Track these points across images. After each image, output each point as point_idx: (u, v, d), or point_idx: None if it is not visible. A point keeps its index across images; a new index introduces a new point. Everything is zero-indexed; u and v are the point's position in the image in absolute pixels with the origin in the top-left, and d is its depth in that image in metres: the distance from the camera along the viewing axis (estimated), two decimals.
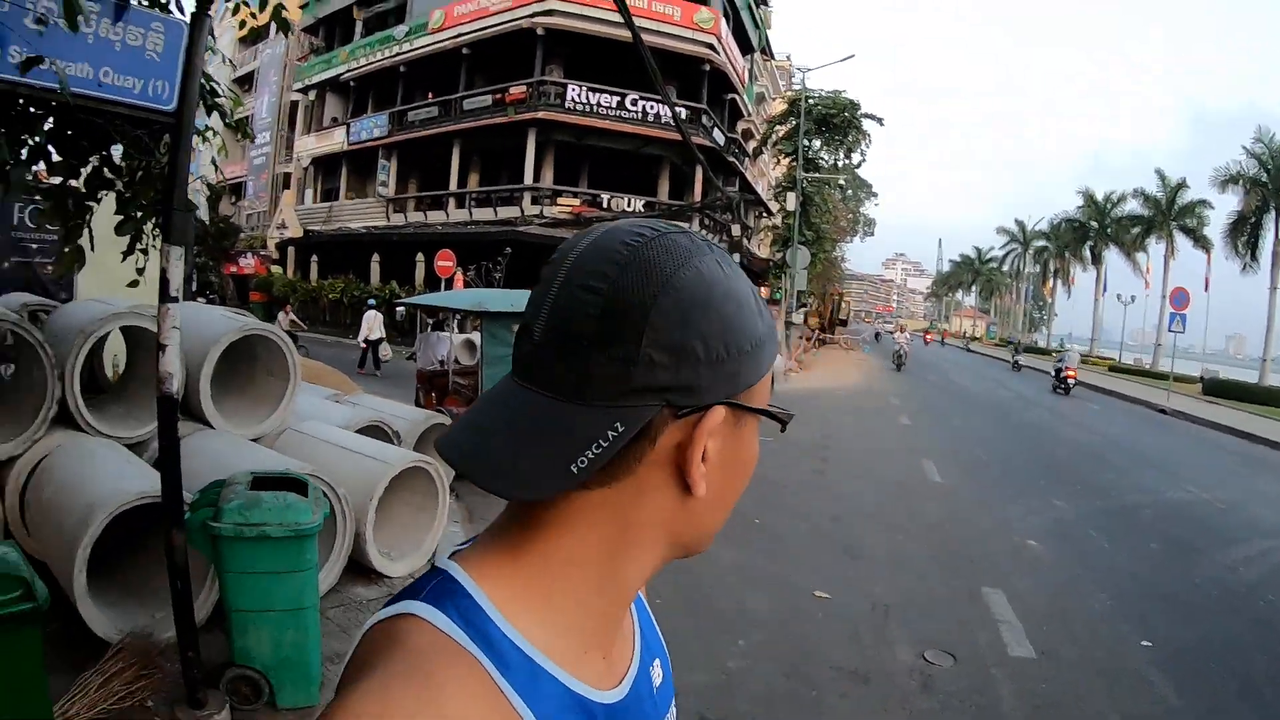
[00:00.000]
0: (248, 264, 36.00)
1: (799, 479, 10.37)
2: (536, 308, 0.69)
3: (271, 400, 6.35)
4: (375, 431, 7.29)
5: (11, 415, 5.19)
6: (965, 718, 4.62)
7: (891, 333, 49.37)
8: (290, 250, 36.71)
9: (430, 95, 32.36)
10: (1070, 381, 28.29)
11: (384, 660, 0.62)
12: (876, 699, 4.75)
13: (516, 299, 9.73)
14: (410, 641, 0.64)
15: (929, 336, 78.39)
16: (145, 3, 3.60)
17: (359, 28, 36.20)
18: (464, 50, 30.42)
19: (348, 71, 35.60)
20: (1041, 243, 74.47)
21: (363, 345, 19.26)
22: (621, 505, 0.69)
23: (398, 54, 32.97)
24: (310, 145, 38.33)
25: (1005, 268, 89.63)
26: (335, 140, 36.19)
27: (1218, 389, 34.30)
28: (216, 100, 4.37)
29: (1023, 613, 6.22)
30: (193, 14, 3.62)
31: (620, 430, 0.64)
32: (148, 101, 3.53)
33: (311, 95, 39.04)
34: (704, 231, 30.89)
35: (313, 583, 3.95)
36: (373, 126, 33.84)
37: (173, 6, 3.86)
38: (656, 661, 0.87)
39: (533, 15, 28.14)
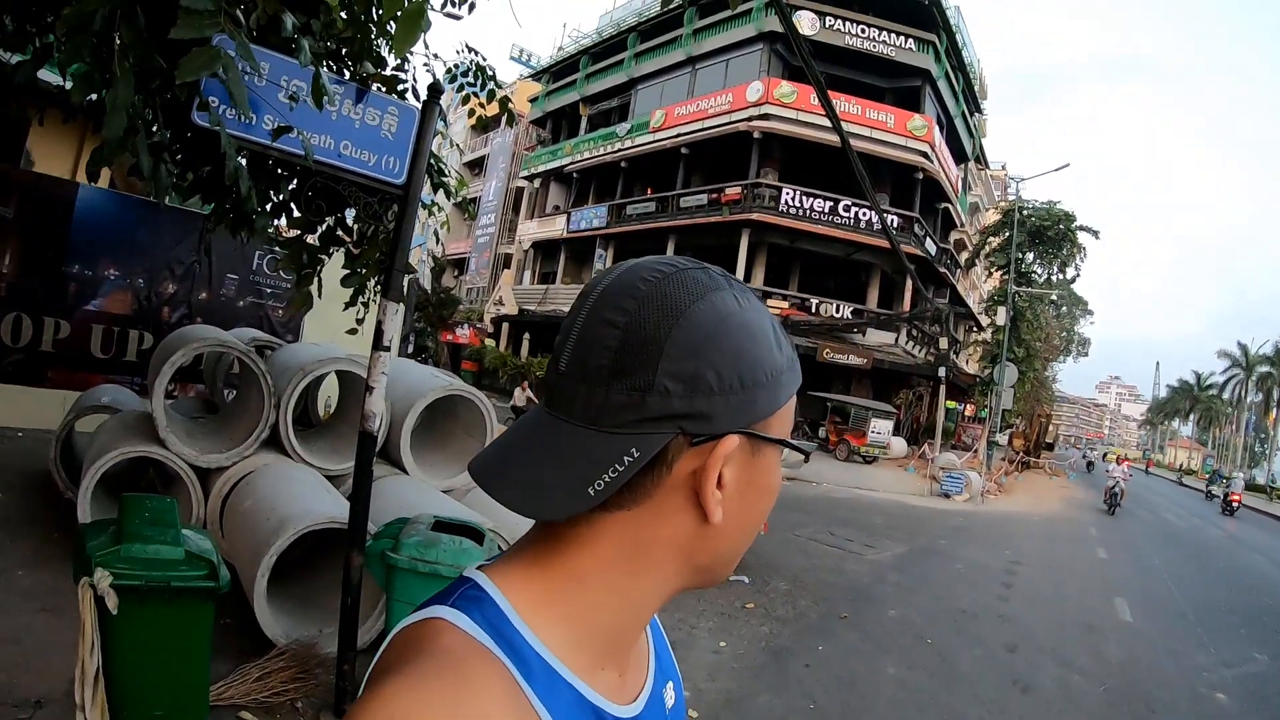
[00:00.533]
0: (463, 334, 38.02)
1: (979, 603, 9.93)
2: (564, 339, 0.73)
3: (467, 457, 6.71)
4: None
5: (228, 433, 5.86)
6: None
7: (1105, 460, 46.57)
8: (504, 326, 38.72)
9: (648, 191, 33.72)
10: (1235, 504, 32.88)
11: (416, 658, 0.65)
12: None
13: None
14: (441, 641, 0.67)
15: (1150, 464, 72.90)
16: (383, 89, 4.16)
17: (584, 123, 38.47)
18: (682, 150, 31.65)
19: (571, 163, 37.66)
20: (1265, 368, 69.28)
21: (512, 411, 20.21)
22: (639, 528, 0.72)
23: (619, 150, 34.64)
24: (532, 230, 40.59)
25: (1226, 395, 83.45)
26: (556, 227, 38.17)
27: None
28: (443, 179, 4.92)
29: None
30: (424, 102, 4.22)
31: (635, 456, 0.68)
32: (380, 174, 4.08)
33: (536, 183, 41.59)
34: (912, 343, 30.44)
35: None
36: (592, 216, 35.45)
37: (410, 94, 4.44)
38: (670, 684, 0.90)
39: (750, 119, 28.98)
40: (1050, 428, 46.00)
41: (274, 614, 4.48)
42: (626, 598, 0.75)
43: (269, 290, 9.90)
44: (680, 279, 0.72)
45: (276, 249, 5.98)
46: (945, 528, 16.14)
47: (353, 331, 4.72)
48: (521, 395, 20.39)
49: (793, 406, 0.77)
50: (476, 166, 48.28)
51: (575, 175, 37.96)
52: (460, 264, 47.59)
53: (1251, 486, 59.33)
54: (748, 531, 0.78)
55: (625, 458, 0.68)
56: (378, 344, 4.01)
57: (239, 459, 5.57)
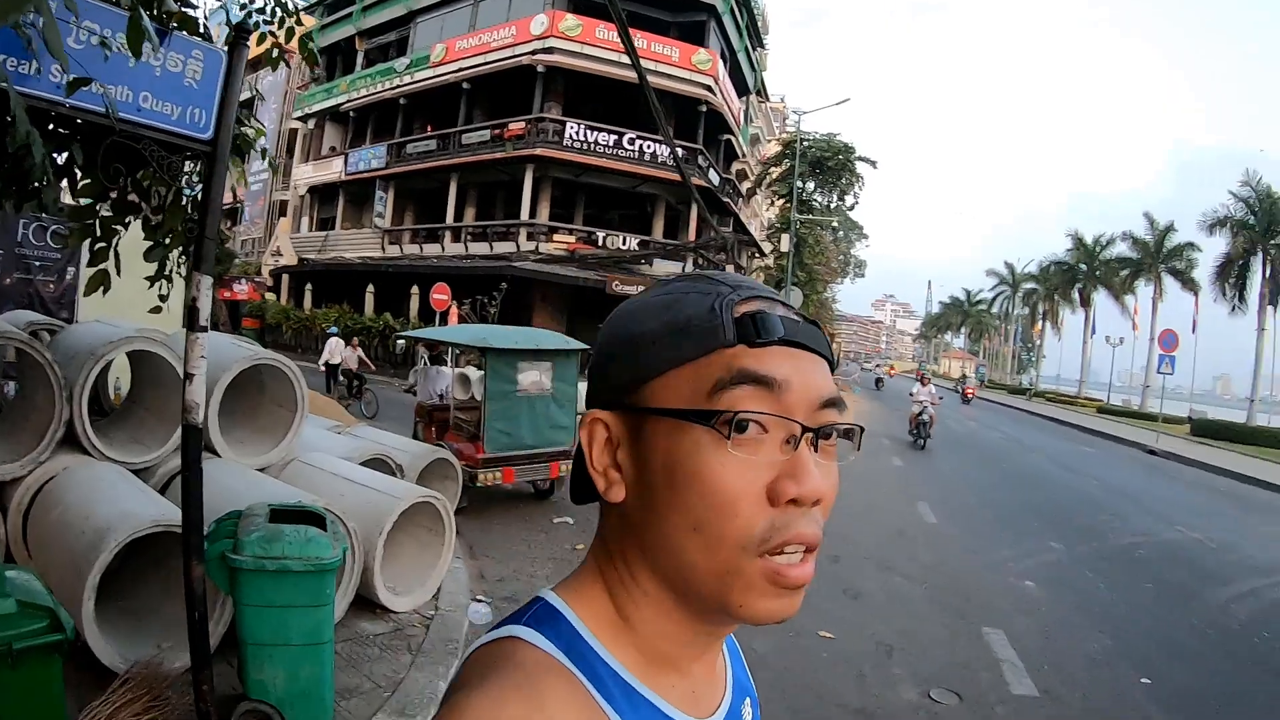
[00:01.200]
0: (241, 290, 35.88)
1: None
2: None
3: (278, 430, 6.33)
4: (378, 464, 7.27)
5: (14, 436, 5.17)
6: None
7: (889, 373, 49.49)
8: (285, 278, 36.76)
9: (429, 128, 32.56)
10: (969, 396, 41.79)
11: (494, 674, 0.66)
12: None
13: (519, 337, 9.76)
14: (517, 657, 0.68)
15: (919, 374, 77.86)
16: (179, 29, 3.63)
17: (360, 58, 36.52)
18: (464, 85, 30.65)
19: (348, 102, 35.83)
20: (1030, 285, 74.84)
21: (322, 369, 18.64)
22: (616, 522, 0.76)
23: (398, 86, 33.18)
24: (308, 174, 38.50)
25: (994, 310, 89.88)
26: (333, 170, 36.35)
27: (1206, 429, 34.71)
28: (244, 129, 4.38)
29: (1023, 652, 6.26)
30: (230, 43, 3.65)
31: (580, 438, 0.76)
32: (185, 129, 3.54)
33: (311, 124, 39.33)
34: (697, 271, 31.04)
35: (330, 618, 3.92)
36: (371, 157, 33.94)
37: (206, 32, 3.89)
38: (747, 700, 0.88)
39: (534, 53, 28.39)
40: (834, 345, 48.36)
41: (106, 637, 4.01)
42: (653, 601, 0.73)
43: (37, 264, 8.78)
44: (649, 292, 0.78)
45: (48, 219, 5.26)
46: None
47: (157, 310, 4.22)
48: (352, 355, 18.15)
49: (710, 372, 0.69)
50: (245, 108, 44.96)
51: (352, 114, 36.08)
52: (232, 214, 44.79)
53: (1016, 390, 65.16)
54: (676, 523, 0.69)
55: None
56: (194, 325, 3.55)
57: (35, 465, 4.93)
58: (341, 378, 18.13)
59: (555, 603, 0.74)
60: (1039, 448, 24.29)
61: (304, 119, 39.30)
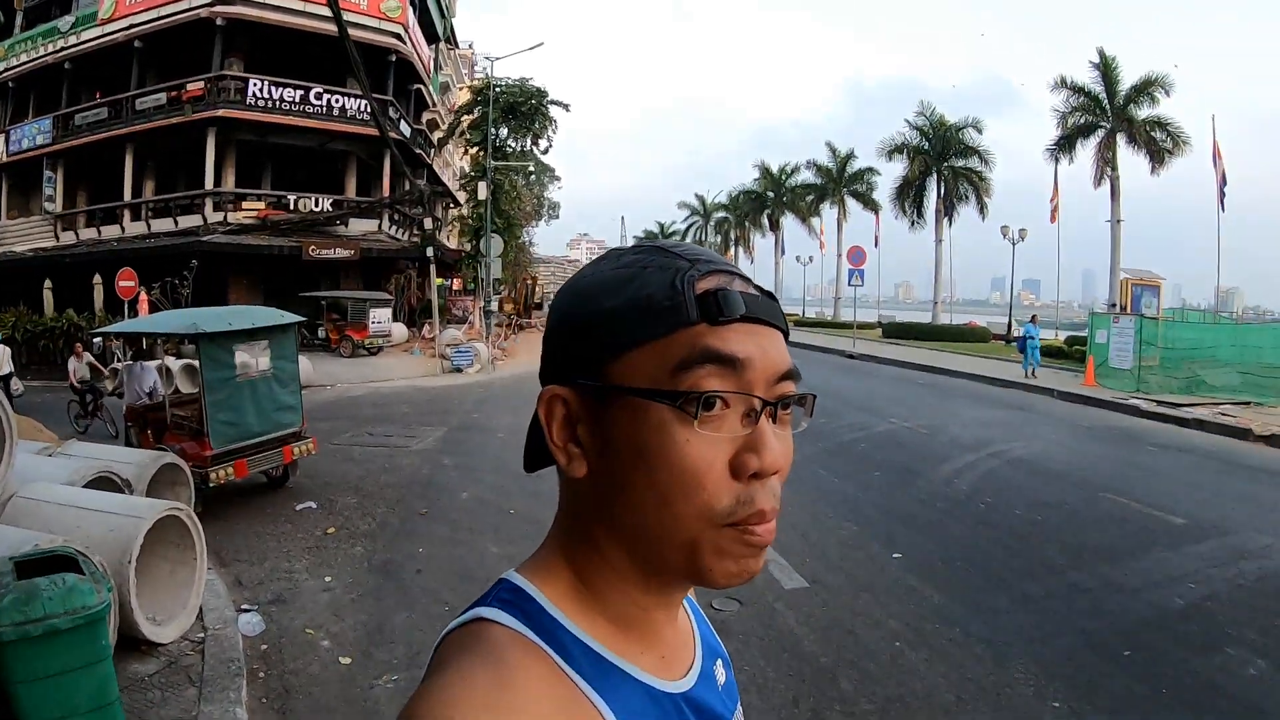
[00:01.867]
0: None
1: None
2: None
3: None
4: (104, 483, 6.57)
5: None
6: (768, 650, 5.08)
7: None
8: None
9: (99, 95, 29.41)
10: None
11: (462, 655, 0.67)
12: None
13: (232, 317, 9.12)
14: (484, 637, 0.69)
15: None
16: None
17: (19, 19, 32.03)
18: (136, 44, 27.92)
19: (5, 71, 31.58)
20: (722, 214, 78.18)
21: None
22: (578, 497, 0.77)
23: (63, 49, 29.68)
24: None
25: (688, 239, 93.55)
26: None
27: (896, 331, 38.72)
28: None
29: (784, 550, 6.81)
30: None
31: (538, 413, 0.76)
32: None
33: None
34: (395, 227, 30.42)
35: (111, 672, 3.59)
36: (35, 133, 30.27)
37: None
38: (719, 660, 0.90)
39: (211, 4, 26.40)
40: (536, 288, 49.21)
41: None
42: (618, 571, 0.75)
43: None
44: (600, 263, 0.79)
45: None
46: (471, 401, 16.83)
47: None
48: (80, 364, 14.78)
49: (675, 351, 0.70)
50: None
51: (11, 85, 31.76)
52: None
53: None
54: (643, 500, 0.71)
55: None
56: None
57: None
58: (74, 395, 14.58)
59: (519, 582, 0.75)
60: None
61: None
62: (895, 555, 6.76)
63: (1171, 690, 4.59)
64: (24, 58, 31.26)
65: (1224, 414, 14.92)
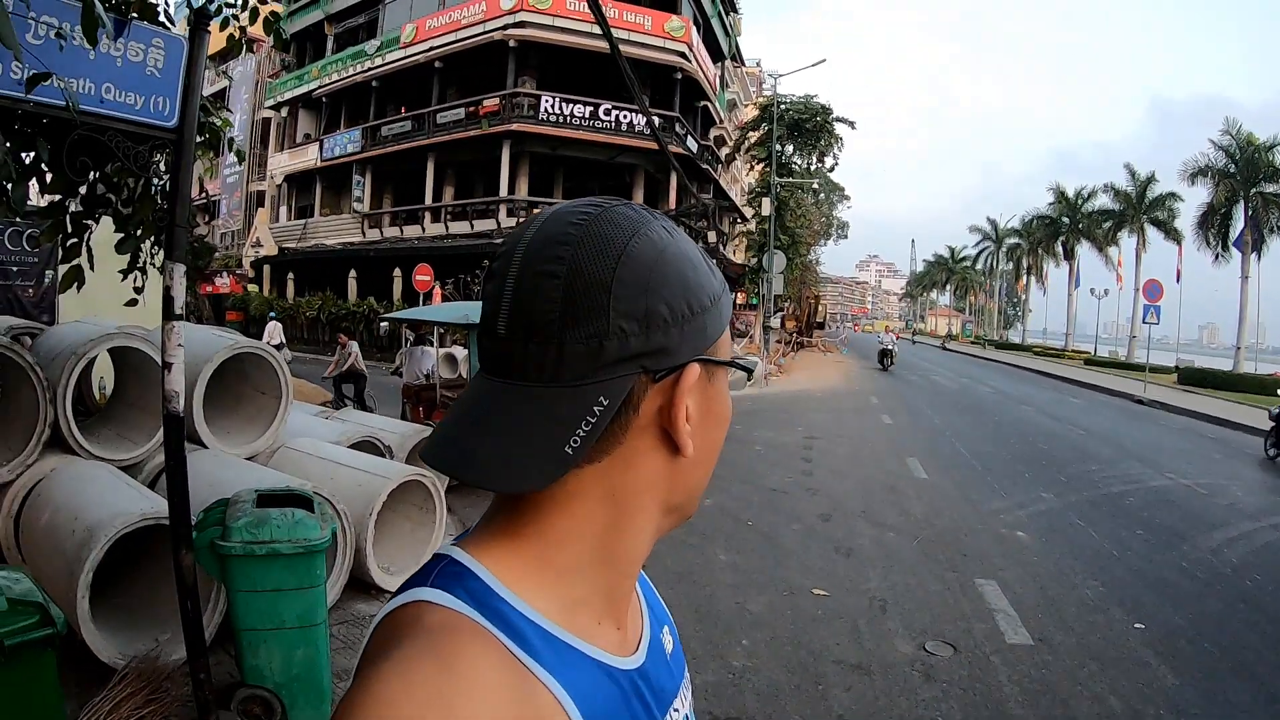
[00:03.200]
0: (223, 283, 35.66)
1: (786, 480, 10.42)
2: (495, 303, 0.70)
3: (264, 418, 6.33)
4: (367, 447, 7.29)
5: (2, 442, 5.15)
6: (968, 704, 4.69)
7: (860, 330, 49.70)
8: (266, 269, 36.51)
9: (403, 110, 32.20)
10: (947, 347, 40.30)
11: (400, 642, 0.63)
12: (881, 690, 4.80)
13: None
14: (424, 621, 0.65)
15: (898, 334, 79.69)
16: (138, 17, 3.59)
17: (330, 43, 36.02)
18: (436, 64, 30.41)
19: (319, 88, 35.39)
20: (1014, 240, 74.86)
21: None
22: (613, 477, 0.71)
23: (369, 69, 32.82)
24: (284, 162, 38.11)
25: (979, 266, 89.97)
26: (308, 157, 36.01)
27: (1193, 378, 34.78)
28: (210, 119, 4.35)
29: (1016, 602, 6.32)
30: (191, 29, 3.62)
31: (605, 404, 0.66)
32: (149, 118, 3.51)
33: (284, 112, 38.81)
34: None
35: (322, 599, 3.92)
36: (346, 142, 33.62)
37: (164, 20, 3.84)
38: (665, 629, 0.89)
39: (505, 27, 28.15)
40: (819, 308, 48.44)
41: (103, 634, 4.03)
42: (612, 551, 0.73)
43: (15, 268, 8.70)
44: (609, 217, 0.71)
45: (18, 220, 5.20)
46: (737, 413, 16.42)
47: (133, 303, 4.18)
48: (345, 356, 14.29)
49: (729, 329, 0.79)
50: (217, 100, 44.39)
51: (325, 100, 35.67)
52: (209, 208, 44.46)
53: (1004, 345, 65.91)
54: (712, 459, 0.78)
55: (595, 408, 0.66)
56: (169, 313, 3.52)
57: (23, 469, 4.92)
58: (337, 385, 14.37)
59: (461, 558, 0.71)
60: (1027, 400, 24.38)
61: (276, 107, 38.79)
62: (1138, 625, 6.02)
63: None
64: (335, 76, 34.72)
65: None
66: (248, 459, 5.98)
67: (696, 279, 0.72)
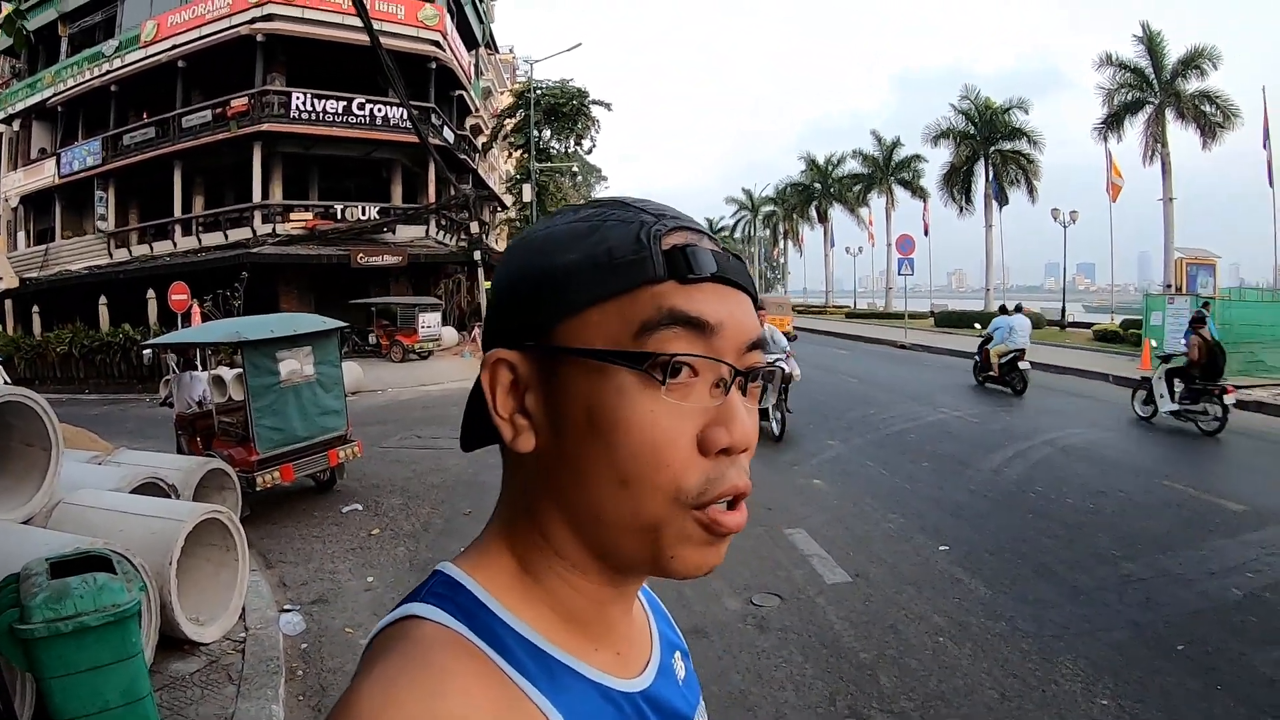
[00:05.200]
0: None
1: None
2: None
3: (35, 474, 5.67)
4: (151, 489, 6.68)
5: None
6: (806, 645, 4.98)
7: None
8: (8, 304, 33.19)
9: (145, 115, 29.88)
10: None
11: (388, 657, 0.61)
12: (721, 648, 4.98)
13: (273, 324, 9.24)
14: (412, 636, 0.62)
15: None
16: None
17: (64, 45, 32.76)
18: (180, 64, 28.40)
19: (54, 96, 32.11)
20: (770, 208, 78.07)
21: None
22: (524, 475, 0.70)
23: (108, 72, 30.15)
24: (18, 182, 34.25)
25: (737, 234, 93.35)
26: (45, 174, 32.61)
27: (948, 320, 37.86)
28: None
29: (827, 544, 6.75)
30: None
31: (481, 380, 0.68)
32: None
33: (15, 125, 34.84)
34: (442, 232, 30.64)
35: (144, 669, 3.61)
36: (85, 155, 30.70)
37: None
38: (677, 654, 0.84)
39: (252, 21, 26.73)
40: None
41: None
42: (567, 558, 0.68)
43: None
44: (555, 218, 0.71)
45: None
46: None
47: None
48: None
49: (635, 310, 0.64)
50: None
51: (61, 109, 32.36)
52: None
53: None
54: (597, 478, 0.64)
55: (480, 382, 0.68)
56: None
57: None
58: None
59: (454, 573, 0.68)
60: (798, 356, 25.48)
61: (7, 120, 34.91)
62: (942, 548, 6.62)
63: (1227, 686, 4.39)
64: (71, 82, 31.70)
65: None
66: (23, 522, 5.37)
67: (529, 260, 0.68)
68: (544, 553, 0.69)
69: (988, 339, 16.80)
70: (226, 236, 27.80)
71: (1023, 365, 15.54)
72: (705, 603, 5.65)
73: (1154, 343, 18.53)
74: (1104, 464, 9.55)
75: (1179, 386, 11.97)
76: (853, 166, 58.25)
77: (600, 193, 66.59)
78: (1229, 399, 11.26)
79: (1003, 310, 17.88)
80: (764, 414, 8.07)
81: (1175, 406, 11.96)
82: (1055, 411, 13.48)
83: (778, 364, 9.67)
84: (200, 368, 11.89)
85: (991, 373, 16.14)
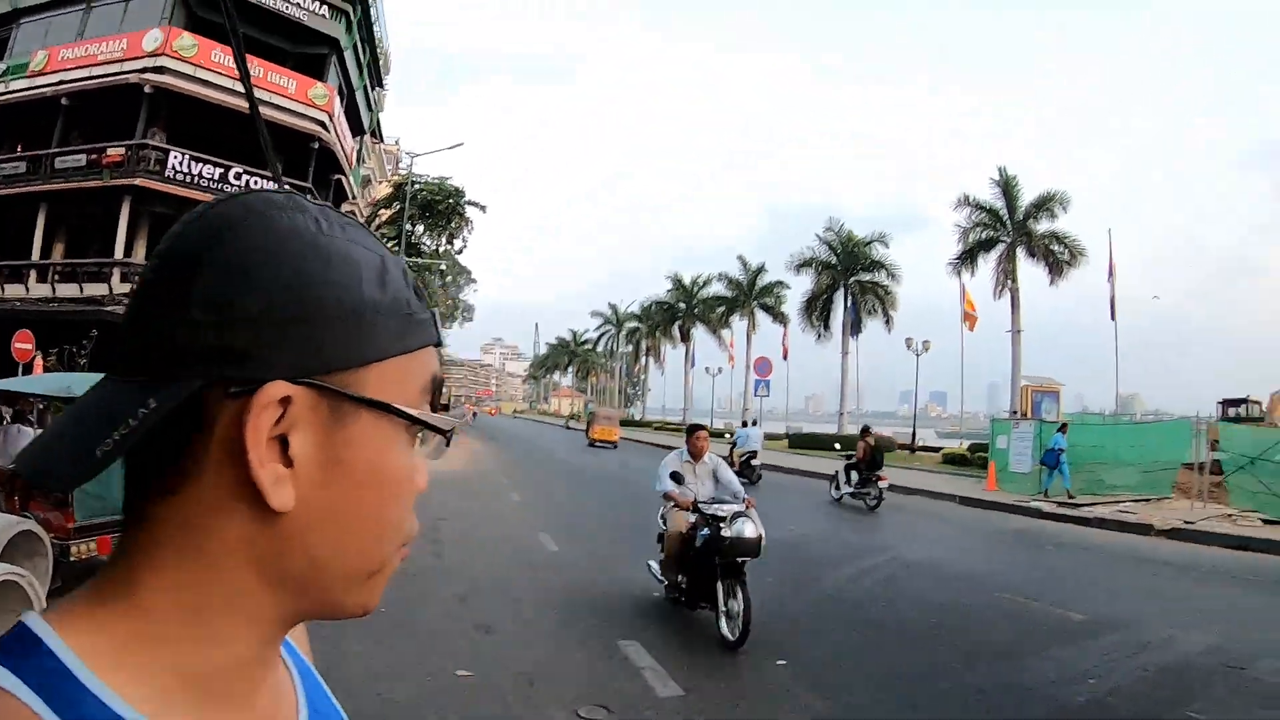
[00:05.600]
0: None
1: (416, 563, 9.93)
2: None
3: None
4: None
5: None
6: None
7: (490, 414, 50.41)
8: None
9: (20, 148, 28.46)
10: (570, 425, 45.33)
11: None
12: None
13: None
14: None
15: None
16: None
17: None
18: (64, 100, 27.22)
19: None
20: (634, 324, 79.52)
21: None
22: (191, 517, 0.56)
23: None
24: None
25: (600, 348, 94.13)
26: None
27: (801, 442, 39.96)
28: None
29: (661, 657, 6.67)
30: None
31: (153, 407, 0.53)
32: None
33: None
34: None
35: None
36: None
37: None
38: None
39: (144, 70, 26.03)
40: (445, 390, 49.10)
41: None
42: (208, 624, 0.57)
43: None
44: (242, 199, 0.59)
45: None
46: None
47: None
48: None
49: (421, 370, 0.62)
50: None
51: None
52: None
53: (626, 422, 70.44)
54: (361, 533, 0.60)
55: (140, 410, 0.53)
56: None
57: None
58: None
59: (38, 628, 0.54)
60: (651, 471, 25.68)
61: None
62: (780, 662, 6.67)
63: None
64: None
65: (1125, 511, 15.65)
66: None
67: (327, 276, 0.56)
68: (204, 614, 0.57)
69: (733, 444, 25.45)
70: (82, 290, 26.42)
71: (755, 462, 24.50)
72: (530, 713, 5.55)
73: (998, 465, 19.75)
74: (947, 578, 10.02)
75: (855, 476, 18.17)
76: (718, 289, 60.76)
77: (469, 295, 66.39)
78: (883, 484, 17.46)
79: (743, 424, 26.77)
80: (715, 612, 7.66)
81: (851, 490, 18.20)
82: (903, 529, 14.33)
83: (732, 521, 7.57)
84: (32, 423, 11.31)
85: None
